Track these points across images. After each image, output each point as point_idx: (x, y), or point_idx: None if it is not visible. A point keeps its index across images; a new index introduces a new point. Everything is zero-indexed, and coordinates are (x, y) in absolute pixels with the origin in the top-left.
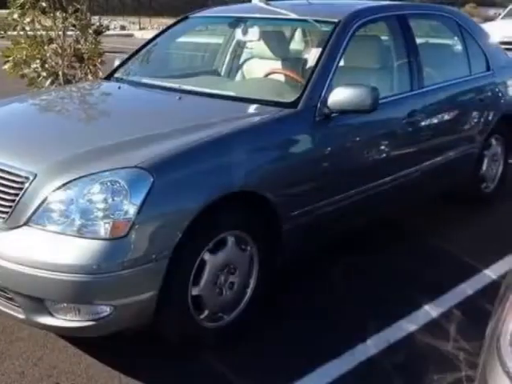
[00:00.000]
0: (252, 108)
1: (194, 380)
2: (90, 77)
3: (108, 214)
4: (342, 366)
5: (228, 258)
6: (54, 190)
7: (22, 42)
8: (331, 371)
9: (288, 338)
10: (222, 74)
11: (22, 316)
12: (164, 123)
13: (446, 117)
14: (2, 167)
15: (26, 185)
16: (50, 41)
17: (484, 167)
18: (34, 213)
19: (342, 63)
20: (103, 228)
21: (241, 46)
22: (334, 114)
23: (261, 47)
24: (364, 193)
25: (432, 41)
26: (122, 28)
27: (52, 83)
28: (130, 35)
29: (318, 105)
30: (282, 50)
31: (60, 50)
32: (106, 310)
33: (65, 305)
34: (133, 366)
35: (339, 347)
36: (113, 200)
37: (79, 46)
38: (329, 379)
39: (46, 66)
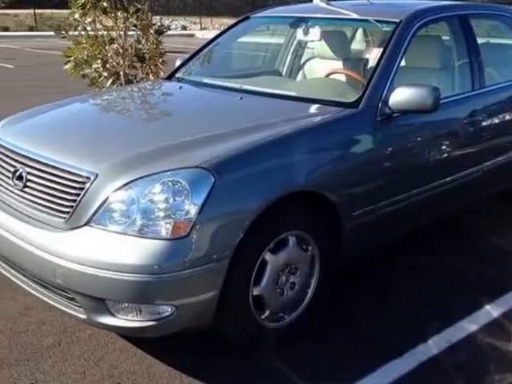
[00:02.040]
0: (313, 108)
1: (254, 380)
2: (151, 77)
3: (169, 214)
4: (404, 367)
5: (289, 258)
6: (115, 190)
7: (83, 41)
8: (392, 371)
9: (348, 338)
10: (284, 74)
11: (83, 316)
12: (225, 123)
13: (508, 117)
14: (64, 167)
15: (88, 185)
16: (112, 41)
17: None
18: (95, 213)
19: (403, 63)
20: (164, 228)
21: (302, 46)
22: (395, 114)
23: (322, 47)
24: (425, 193)
25: (493, 41)
26: (183, 28)
27: (113, 83)
28: (191, 35)
29: (380, 105)
30: (343, 49)
31: (121, 50)
32: (167, 310)
33: (126, 305)
34: (194, 366)
35: (400, 347)
36: (174, 200)
37: (140, 46)
38: (390, 379)
39: (107, 66)
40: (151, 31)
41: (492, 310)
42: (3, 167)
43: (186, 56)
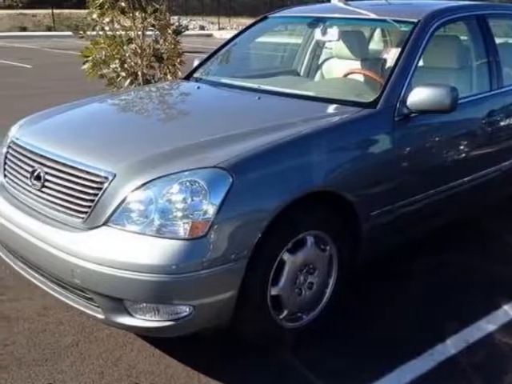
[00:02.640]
0: (331, 108)
1: (272, 379)
2: (169, 77)
3: (187, 214)
4: (421, 367)
5: (307, 258)
6: (133, 190)
7: (101, 41)
8: (410, 372)
9: (366, 339)
10: (301, 74)
11: (101, 316)
12: (243, 123)
13: None
14: (82, 167)
15: (106, 185)
16: (129, 41)
17: None
18: (113, 213)
19: (421, 63)
20: (182, 228)
21: (320, 46)
22: (413, 114)
23: (340, 47)
24: (443, 193)
25: (511, 41)
26: (201, 28)
27: (131, 83)
28: (210, 35)
29: (397, 105)
30: (361, 49)
31: (139, 50)
32: (185, 310)
33: (144, 305)
34: (212, 367)
35: (418, 348)
36: (192, 200)
37: (158, 46)
38: (407, 380)
39: (125, 66)
40: (169, 31)
41: (510, 310)
42: (21, 167)
43: (204, 56)
